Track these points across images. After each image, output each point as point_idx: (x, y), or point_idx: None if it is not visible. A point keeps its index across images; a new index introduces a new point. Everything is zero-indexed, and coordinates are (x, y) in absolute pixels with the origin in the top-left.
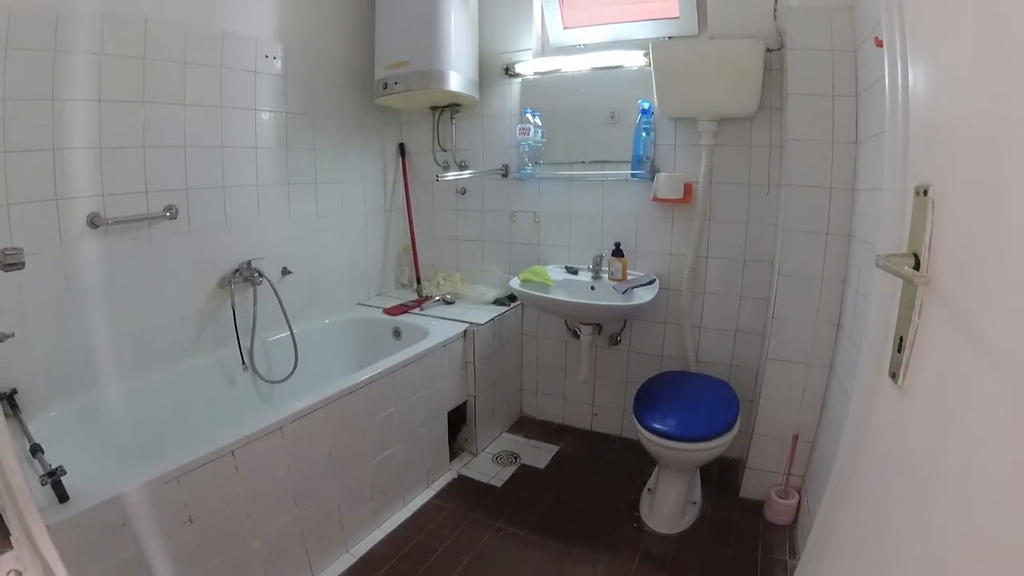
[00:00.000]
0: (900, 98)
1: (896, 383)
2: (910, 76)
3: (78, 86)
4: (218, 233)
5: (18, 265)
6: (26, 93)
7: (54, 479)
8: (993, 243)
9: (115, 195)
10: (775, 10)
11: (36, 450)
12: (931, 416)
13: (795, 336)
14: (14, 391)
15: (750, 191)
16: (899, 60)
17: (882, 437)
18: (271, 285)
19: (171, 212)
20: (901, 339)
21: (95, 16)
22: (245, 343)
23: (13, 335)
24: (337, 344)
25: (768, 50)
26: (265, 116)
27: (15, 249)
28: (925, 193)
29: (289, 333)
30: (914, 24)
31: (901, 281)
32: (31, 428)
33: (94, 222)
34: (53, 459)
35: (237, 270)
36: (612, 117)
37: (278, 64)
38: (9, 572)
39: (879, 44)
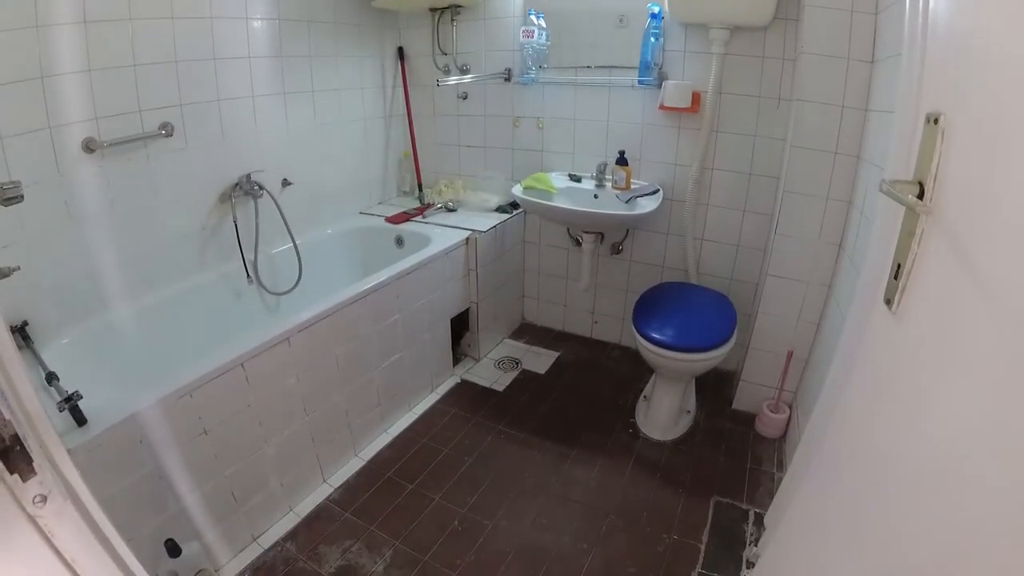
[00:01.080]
0: (920, 20)
1: (890, 309)
2: None
3: (61, 9)
4: (215, 148)
5: (17, 199)
6: (9, 23)
7: (71, 404)
8: (1000, 178)
9: (108, 117)
10: None
11: (51, 378)
12: (921, 344)
13: (796, 254)
14: (25, 323)
15: (760, 104)
16: None
17: (872, 361)
18: (272, 197)
19: (166, 130)
20: (899, 266)
21: None
22: (249, 256)
23: (19, 268)
24: (340, 253)
25: None
26: (257, 24)
27: (13, 183)
28: (936, 122)
29: (292, 245)
30: None
31: (904, 208)
32: (45, 357)
33: (89, 146)
34: (68, 385)
35: (237, 184)
36: (621, 20)
37: None
38: (35, 497)
39: None
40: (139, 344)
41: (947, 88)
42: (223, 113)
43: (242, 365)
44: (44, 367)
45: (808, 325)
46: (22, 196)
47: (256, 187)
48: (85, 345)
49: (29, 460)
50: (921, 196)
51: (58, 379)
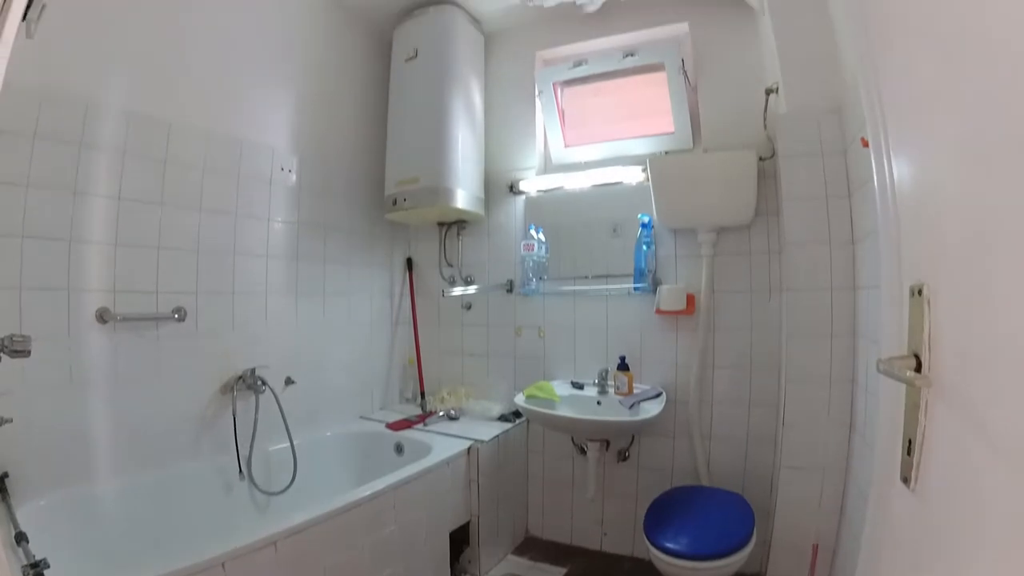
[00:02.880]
0: (889, 198)
1: (909, 487)
2: (895, 174)
3: (100, 181)
4: (224, 338)
5: (24, 353)
6: (49, 182)
7: (36, 571)
8: (990, 337)
9: (126, 292)
10: (765, 119)
11: (21, 538)
12: (945, 520)
13: (807, 441)
14: (5, 475)
15: (752, 298)
16: (885, 159)
17: (899, 546)
18: (274, 394)
19: (179, 314)
20: (910, 441)
21: (121, 113)
22: (244, 451)
23: (11, 420)
24: (338, 457)
25: (760, 159)
26: (278, 226)
27: (23, 337)
28: (920, 292)
29: (289, 444)
30: (897, 121)
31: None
32: (18, 515)
33: (103, 316)
34: (38, 550)
35: (241, 377)
36: (615, 231)
37: (293, 177)
38: None
39: (865, 144)
40: (117, 522)
41: (925, 258)
42: (236, 306)
43: (222, 565)
44: (15, 525)
45: (830, 514)
46: (30, 351)
47: (259, 382)
48: (62, 511)
49: None
50: (919, 368)
51: (27, 540)
